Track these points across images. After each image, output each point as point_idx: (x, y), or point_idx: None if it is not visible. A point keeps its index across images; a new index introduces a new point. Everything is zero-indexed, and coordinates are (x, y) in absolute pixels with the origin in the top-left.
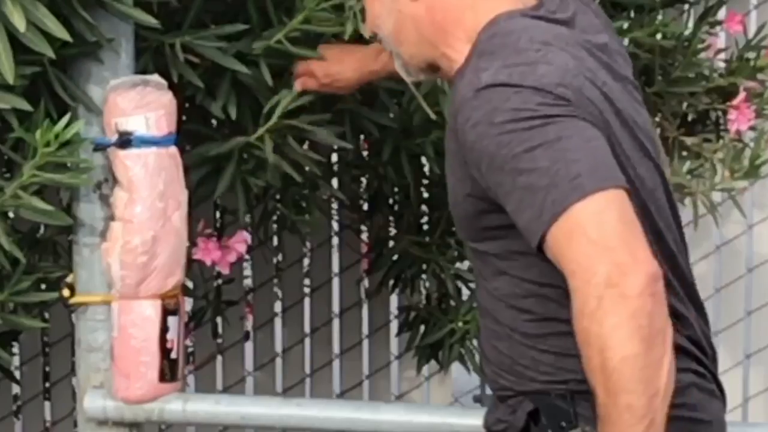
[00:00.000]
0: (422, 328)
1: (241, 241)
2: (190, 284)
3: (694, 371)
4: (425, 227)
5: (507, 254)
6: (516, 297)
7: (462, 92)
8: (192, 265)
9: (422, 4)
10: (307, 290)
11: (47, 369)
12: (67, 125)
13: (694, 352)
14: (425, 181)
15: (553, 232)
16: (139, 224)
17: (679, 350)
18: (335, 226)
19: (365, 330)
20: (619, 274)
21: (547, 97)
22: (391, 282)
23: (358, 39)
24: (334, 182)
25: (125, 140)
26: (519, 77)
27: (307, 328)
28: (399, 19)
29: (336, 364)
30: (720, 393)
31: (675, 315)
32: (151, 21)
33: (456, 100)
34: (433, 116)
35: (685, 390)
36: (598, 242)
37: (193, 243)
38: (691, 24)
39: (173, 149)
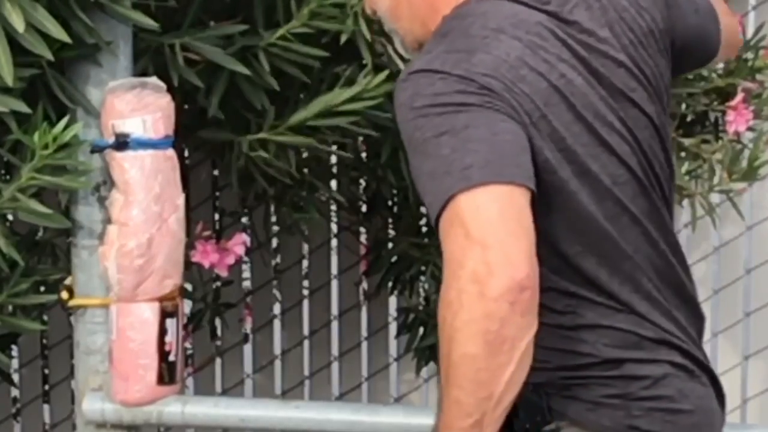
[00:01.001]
0: (421, 329)
1: (239, 244)
2: (188, 286)
3: (669, 362)
4: (424, 229)
5: None
6: None
7: (401, 75)
8: (190, 268)
9: None
10: (305, 292)
11: (46, 371)
12: (66, 128)
13: (671, 341)
14: None
15: (440, 222)
16: (135, 227)
17: (651, 341)
18: (334, 227)
19: (364, 332)
20: (485, 273)
21: (471, 86)
22: (390, 284)
23: (351, 48)
24: (333, 184)
25: (122, 142)
26: (451, 65)
27: (306, 330)
28: None
29: (335, 366)
30: (711, 381)
31: (638, 310)
32: (150, 23)
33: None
34: None
35: (659, 381)
36: (473, 236)
37: (191, 245)
38: None
39: (170, 152)
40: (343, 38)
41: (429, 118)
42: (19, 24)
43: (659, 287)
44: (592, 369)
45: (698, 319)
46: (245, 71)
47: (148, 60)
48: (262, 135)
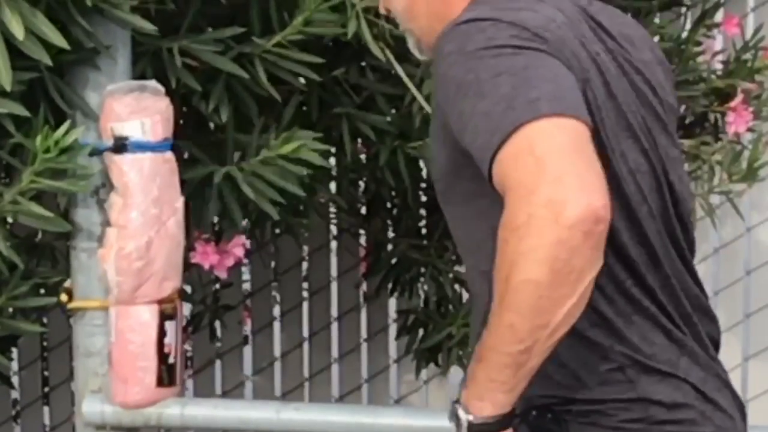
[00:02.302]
0: (421, 331)
1: (239, 245)
2: (187, 288)
3: (691, 384)
4: (423, 231)
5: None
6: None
7: (440, 34)
8: (190, 270)
9: None
10: (305, 294)
11: (46, 374)
12: (67, 132)
13: (696, 359)
14: (423, 185)
15: (500, 154)
16: (134, 230)
17: (677, 360)
18: (333, 229)
19: (364, 334)
20: (561, 199)
21: (524, 33)
22: (390, 285)
23: (358, 41)
24: (332, 186)
25: (121, 145)
26: (500, 15)
27: (305, 332)
28: None
29: (335, 367)
30: (732, 395)
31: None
32: (149, 27)
33: (433, 50)
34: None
35: (680, 405)
36: (546, 163)
37: (191, 247)
38: (688, 26)
39: (169, 155)
40: (349, 32)
41: (483, 60)
42: (18, 31)
43: (680, 294)
44: (614, 389)
45: (714, 325)
46: (244, 75)
47: (146, 63)
48: (233, 168)
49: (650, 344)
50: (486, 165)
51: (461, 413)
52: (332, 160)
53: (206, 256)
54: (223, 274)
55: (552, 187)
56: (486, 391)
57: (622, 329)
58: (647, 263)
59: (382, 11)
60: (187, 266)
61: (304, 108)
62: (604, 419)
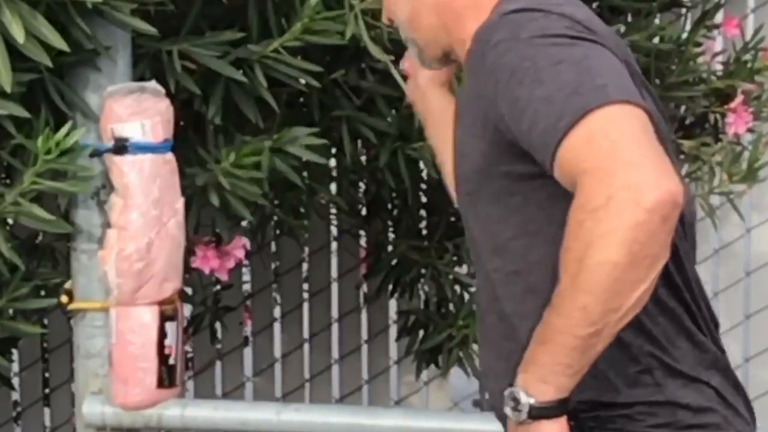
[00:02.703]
0: (421, 332)
1: (239, 247)
2: (188, 290)
3: (714, 388)
4: (424, 232)
5: (545, 203)
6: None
7: (483, 26)
8: (191, 272)
9: None
10: (305, 295)
11: (46, 375)
12: (68, 133)
13: (717, 364)
14: (423, 186)
15: (569, 138)
16: (134, 231)
17: (702, 361)
18: (334, 231)
19: (364, 335)
20: (639, 181)
21: (575, 25)
22: (390, 287)
23: (356, 44)
24: (333, 187)
25: (121, 146)
26: (547, 7)
27: (306, 333)
28: (415, 5)
29: (335, 369)
30: (744, 401)
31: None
32: (149, 29)
33: (475, 43)
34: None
35: (704, 409)
36: (622, 147)
37: (191, 251)
38: (688, 27)
39: (169, 156)
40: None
41: (539, 48)
42: (19, 34)
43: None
44: (642, 392)
45: (717, 330)
46: (242, 79)
47: (146, 66)
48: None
49: (675, 347)
50: (549, 150)
51: (522, 396)
52: (332, 162)
53: (207, 261)
54: (224, 277)
55: (631, 171)
56: (551, 374)
57: (651, 329)
58: (673, 263)
59: (385, 21)
60: (188, 269)
61: (305, 109)
62: (632, 424)
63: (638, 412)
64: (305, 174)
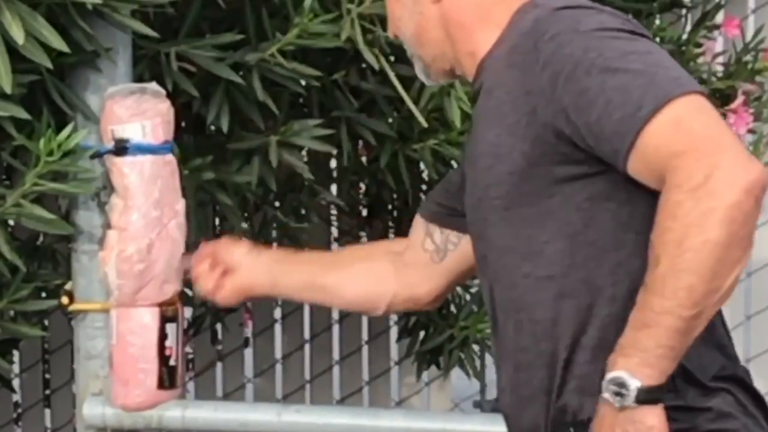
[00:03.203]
0: (422, 333)
1: None
2: (189, 291)
3: (732, 393)
4: None
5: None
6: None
7: (530, 21)
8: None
9: (445, 5)
10: None
11: (47, 376)
12: (69, 135)
13: (736, 369)
14: (424, 187)
15: (653, 125)
16: (135, 232)
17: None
18: (334, 232)
19: (365, 336)
20: (735, 163)
21: (628, 22)
22: None
23: (356, 46)
24: (333, 189)
25: (121, 147)
26: (593, 5)
27: (306, 335)
28: (420, 21)
29: (336, 370)
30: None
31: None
32: (149, 31)
33: (518, 33)
34: (425, 125)
35: (724, 415)
36: (712, 131)
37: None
38: (689, 28)
39: (170, 157)
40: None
41: (603, 40)
42: (18, 36)
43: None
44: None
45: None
46: (241, 81)
47: (145, 67)
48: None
49: (698, 353)
50: (627, 138)
51: (630, 380)
52: (333, 163)
53: None
54: None
55: (726, 153)
56: (655, 358)
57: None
58: None
59: (391, 35)
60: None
61: (305, 110)
62: None
63: None
64: (305, 175)
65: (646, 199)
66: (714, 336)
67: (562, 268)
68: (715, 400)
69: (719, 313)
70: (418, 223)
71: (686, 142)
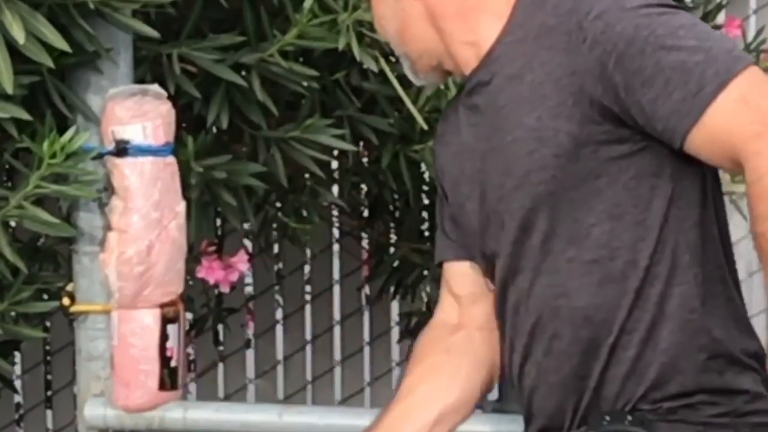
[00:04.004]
0: None
1: (243, 261)
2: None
3: (760, 375)
4: (426, 234)
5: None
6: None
7: (568, 1)
8: (194, 279)
9: (429, 0)
10: (307, 297)
11: (49, 378)
12: (73, 137)
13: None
14: (425, 188)
15: (720, 103)
16: (135, 234)
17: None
18: (336, 233)
19: (366, 337)
20: None
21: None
22: (392, 289)
23: (352, 54)
24: (335, 189)
25: (122, 149)
26: None
27: (308, 336)
28: (403, 18)
29: (337, 371)
30: None
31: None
32: (150, 32)
33: (561, 17)
34: (425, 126)
35: (758, 396)
36: None
37: (196, 259)
38: None
39: (170, 159)
40: (340, 46)
41: (651, 17)
42: (19, 35)
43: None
44: (706, 378)
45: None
46: (242, 82)
47: (146, 68)
48: None
49: (734, 333)
50: (690, 118)
51: None
52: (334, 163)
53: (212, 271)
54: (225, 289)
55: None
56: None
57: (716, 315)
58: (729, 249)
59: (379, 33)
60: (190, 277)
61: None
62: (693, 415)
63: (700, 401)
64: (306, 176)
65: (687, 173)
66: (741, 314)
67: (609, 251)
68: (747, 380)
69: (740, 293)
70: (464, 269)
71: (760, 122)
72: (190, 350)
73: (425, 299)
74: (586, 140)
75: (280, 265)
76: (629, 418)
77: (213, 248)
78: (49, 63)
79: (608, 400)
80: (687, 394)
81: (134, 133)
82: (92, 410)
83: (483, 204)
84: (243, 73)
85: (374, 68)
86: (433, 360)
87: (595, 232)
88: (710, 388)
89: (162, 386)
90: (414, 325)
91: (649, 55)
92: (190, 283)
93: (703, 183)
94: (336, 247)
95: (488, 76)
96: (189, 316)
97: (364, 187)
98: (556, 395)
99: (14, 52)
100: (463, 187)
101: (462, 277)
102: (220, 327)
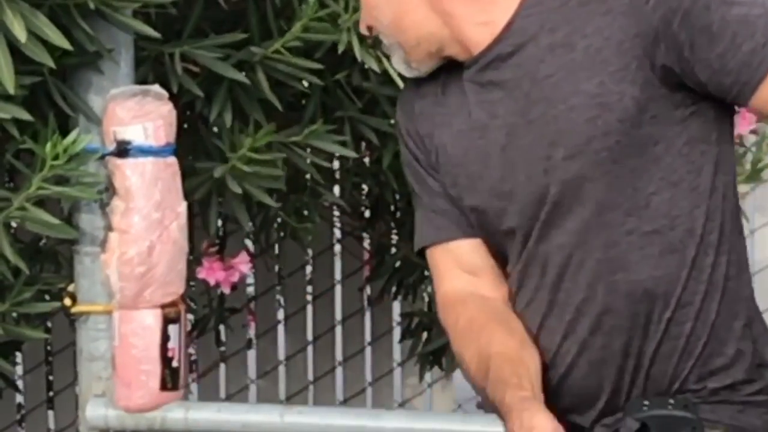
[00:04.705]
0: (425, 334)
1: (244, 261)
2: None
3: None
4: None
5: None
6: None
7: None
8: (195, 280)
9: None
10: (309, 298)
11: (50, 378)
12: (75, 139)
13: None
14: None
15: None
16: (136, 234)
17: None
18: (337, 233)
19: (368, 337)
20: None
21: None
22: (393, 289)
23: (353, 54)
24: (336, 189)
25: (123, 149)
26: None
27: (309, 336)
28: (401, 5)
29: (338, 371)
30: None
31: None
32: (151, 32)
33: None
34: None
35: None
36: None
37: (198, 261)
38: None
39: (171, 159)
40: (340, 48)
41: None
42: (21, 34)
43: None
44: (744, 345)
45: None
46: (245, 80)
47: (148, 68)
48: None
49: (756, 303)
50: (762, 68)
51: None
52: (335, 164)
53: (213, 272)
54: (227, 290)
55: None
56: None
57: (746, 282)
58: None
59: (363, 29)
60: (192, 277)
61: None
62: (734, 395)
63: (739, 380)
64: (308, 176)
65: (727, 137)
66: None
67: (669, 220)
68: None
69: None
70: (475, 245)
71: None
72: (191, 351)
73: (426, 299)
74: (647, 105)
75: (282, 265)
76: (671, 401)
77: (214, 249)
78: (51, 63)
79: (655, 379)
80: (727, 366)
81: (135, 134)
82: (93, 411)
83: (506, 180)
84: (245, 71)
85: (376, 68)
86: (503, 325)
87: (654, 201)
88: (747, 358)
89: (163, 387)
90: (415, 326)
91: (714, 11)
92: (192, 283)
93: (733, 150)
94: (337, 247)
95: (509, 49)
96: (190, 316)
97: (365, 187)
98: (596, 374)
99: (15, 52)
100: (472, 166)
101: (475, 254)
102: (221, 327)
